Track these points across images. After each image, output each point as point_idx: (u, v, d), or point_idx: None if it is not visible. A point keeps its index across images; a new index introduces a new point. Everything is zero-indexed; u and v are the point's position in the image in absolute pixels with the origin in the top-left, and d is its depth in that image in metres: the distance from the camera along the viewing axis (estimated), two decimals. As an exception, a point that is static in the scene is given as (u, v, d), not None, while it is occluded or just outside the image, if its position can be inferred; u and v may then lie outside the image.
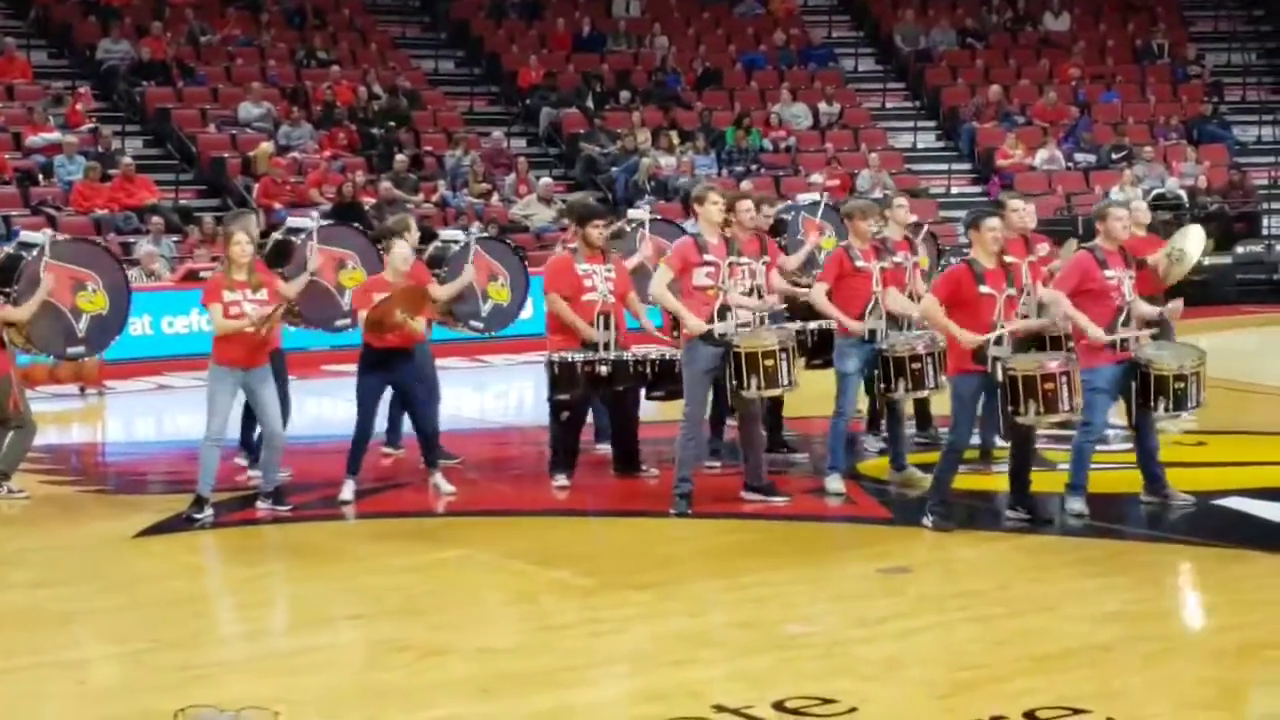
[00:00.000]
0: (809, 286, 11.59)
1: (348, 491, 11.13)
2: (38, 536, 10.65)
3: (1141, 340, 10.33)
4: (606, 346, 11.39)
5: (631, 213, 14.64)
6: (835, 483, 11.09)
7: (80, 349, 11.92)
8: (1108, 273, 10.19)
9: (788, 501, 10.83)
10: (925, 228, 13.45)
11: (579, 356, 11.32)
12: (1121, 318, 10.17)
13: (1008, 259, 10.28)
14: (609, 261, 11.65)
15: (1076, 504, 10.30)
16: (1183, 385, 10.20)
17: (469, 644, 8.09)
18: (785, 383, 10.60)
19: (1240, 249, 26.03)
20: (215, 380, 10.69)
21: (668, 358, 11.40)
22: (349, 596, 8.97)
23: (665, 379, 11.43)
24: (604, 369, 11.32)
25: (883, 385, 11.15)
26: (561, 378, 11.35)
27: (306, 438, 13.15)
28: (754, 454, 10.93)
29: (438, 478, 11.41)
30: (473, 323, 12.60)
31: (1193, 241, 12.24)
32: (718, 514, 10.64)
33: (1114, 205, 10.78)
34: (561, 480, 11.54)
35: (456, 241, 12.80)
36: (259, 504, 10.93)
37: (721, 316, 10.50)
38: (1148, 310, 10.50)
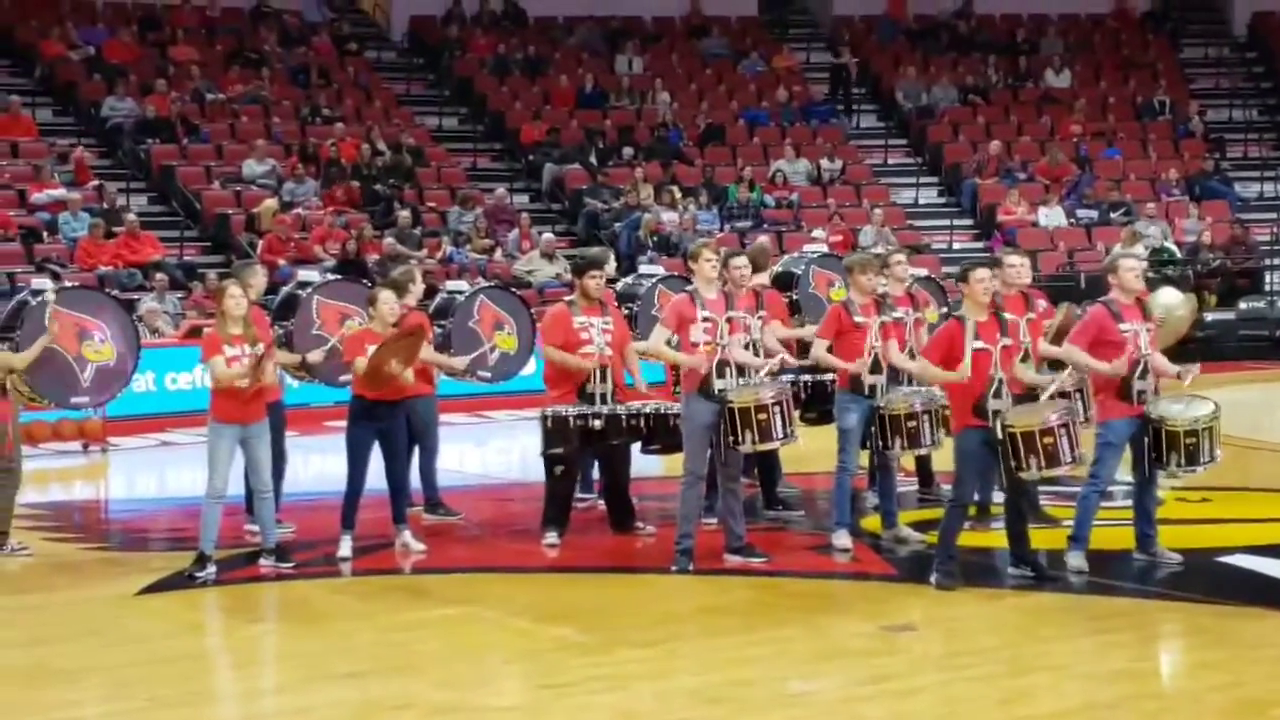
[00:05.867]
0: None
1: (345, 548, 11.09)
2: (39, 594, 10.62)
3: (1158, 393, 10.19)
4: (603, 399, 11.33)
5: (644, 269, 14.63)
6: (843, 539, 11.04)
7: (84, 399, 11.74)
8: (1123, 325, 10.18)
9: (766, 561, 10.70)
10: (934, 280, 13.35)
11: (572, 410, 11.24)
12: (1139, 370, 10.16)
13: (1007, 316, 10.27)
14: (607, 314, 11.62)
15: (1076, 559, 10.27)
16: (1194, 441, 10.13)
17: (471, 702, 8.08)
18: (780, 436, 10.48)
19: (1243, 305, 26.09)
20: (214, 437, 10.67)
21: (662, 412, 11.33)
22: (351, 654, 8.95)
23: (660, 433, 11.36)
24: (597, 423, 11.23)
25: (880, 443, 11.10)
26: (554, 432, 11.25)
27: (310, 494, 13.14)
28: (732, 519, 10.77)
29: (406, 535, 11.35)
30: (480, 373, 12.56)
31: (1168, 301, 11.88)
32: (720, 571, 10.60)
33: (1125, 257, 10.72)
34: (551, 538, 11.42)
35: (461, 292, 12.80)
36: (262, 561, 10.92)
37: (720, 373, 10.45)
38: (1166, 367, 10.41)
